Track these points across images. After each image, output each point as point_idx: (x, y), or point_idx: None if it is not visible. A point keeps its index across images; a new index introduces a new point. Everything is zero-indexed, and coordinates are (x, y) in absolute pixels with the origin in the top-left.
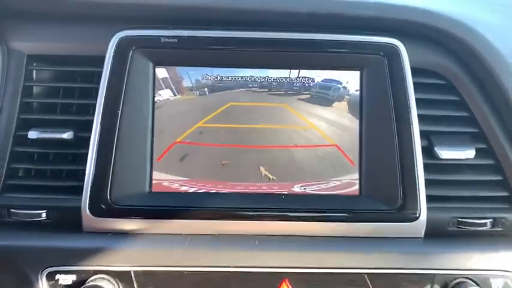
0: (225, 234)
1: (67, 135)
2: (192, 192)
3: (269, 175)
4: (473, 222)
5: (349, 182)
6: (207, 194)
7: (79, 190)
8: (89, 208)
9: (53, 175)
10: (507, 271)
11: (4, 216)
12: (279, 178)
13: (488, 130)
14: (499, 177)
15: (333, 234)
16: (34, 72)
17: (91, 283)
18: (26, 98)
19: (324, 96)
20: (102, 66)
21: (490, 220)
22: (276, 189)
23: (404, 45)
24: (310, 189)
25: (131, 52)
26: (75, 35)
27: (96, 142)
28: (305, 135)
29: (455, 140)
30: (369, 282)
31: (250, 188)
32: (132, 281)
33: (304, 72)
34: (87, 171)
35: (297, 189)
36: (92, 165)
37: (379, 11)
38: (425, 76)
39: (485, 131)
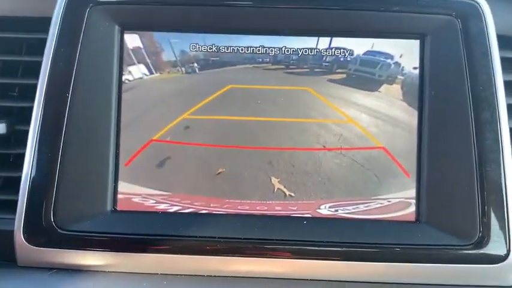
0: (220, 276)
1: None
2: (174, 213)
3: (284, 190)
4: None
5: (401, 202)
6: (195, 216)
7: (15, 206)
8: (24, 233)
9: None
10: None
11: None
12: (299, 194)
13: None
14: None
15: (379, 280)
16: None
17: None
18: None
19: (367, 76)
20: (43, 31)
21: None
22: (294, 211)
23: (488, 2)
24: (344, 212)
25: (88, 10)
26: None
27: (35, 138)
28: (338, 132)
29: None
30: None
31: (258, 208)
32: None
33: (338, 42)
34: (22, 180)
35: (324, 210)
36: (30, 170)
37: None
38: None
39: None
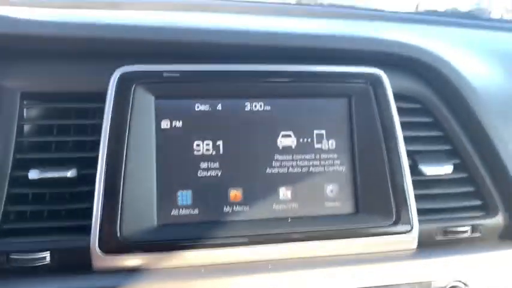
0: (238, 262)
1: (71, 173)
2: (205, 222)
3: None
4: (456, 231)
5: (347, 202)
6: (221, 223)
7: (84, 229)
8: (98, 246)
9: (54, 215)
10: (489, 270)
11: (3, 264)
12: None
13: (461, 147)
14: (473, 189)
15: (338, 253)
16: (28, 110)
17: None
18: (21, 137)
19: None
20: (99, 102)
21: (470, 227)
22: (282, 213)
23: (386, 72)
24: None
25: (133, 86)
26: (72, 72)
27: (103, 178)
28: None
29: (434, 157)
30: None
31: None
32: None
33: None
34: (94, 208)
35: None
36: (100, 202)
37: (365, 44)
38: (404, 101)
39: (458, 148)
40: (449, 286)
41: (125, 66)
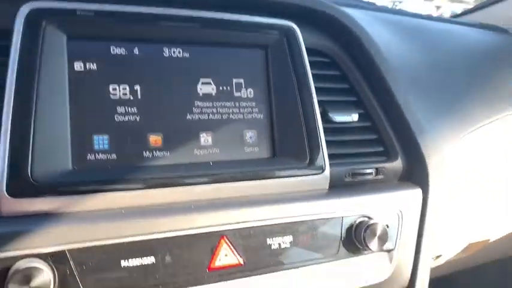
0: (160, 203)
1: None
2: (121, 164)
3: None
4: (362, 173)
5: (264, 147)
6: (136, 165)
7: None
8: (6, 189)
9: None
10: (391, 206)
11: None
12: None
13: (365, 98)
14: (376, 136)
15: (257, 193)
16: None
17: (20, 267)
18: None
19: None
20: (4, 39)
21: (374, 170)
22: (204, 158)
23: (298, 26)
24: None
25: (44, 25)
26: None
27: (10, 117)
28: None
29: (341, 107)
30: (294, 229)
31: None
32: (68, 261)
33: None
34: (1, 148)
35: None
36: (8, 141)
37: None
38: (314, 55)
39: (363, 98)
40: (358, 221)
41: (33, 1)
